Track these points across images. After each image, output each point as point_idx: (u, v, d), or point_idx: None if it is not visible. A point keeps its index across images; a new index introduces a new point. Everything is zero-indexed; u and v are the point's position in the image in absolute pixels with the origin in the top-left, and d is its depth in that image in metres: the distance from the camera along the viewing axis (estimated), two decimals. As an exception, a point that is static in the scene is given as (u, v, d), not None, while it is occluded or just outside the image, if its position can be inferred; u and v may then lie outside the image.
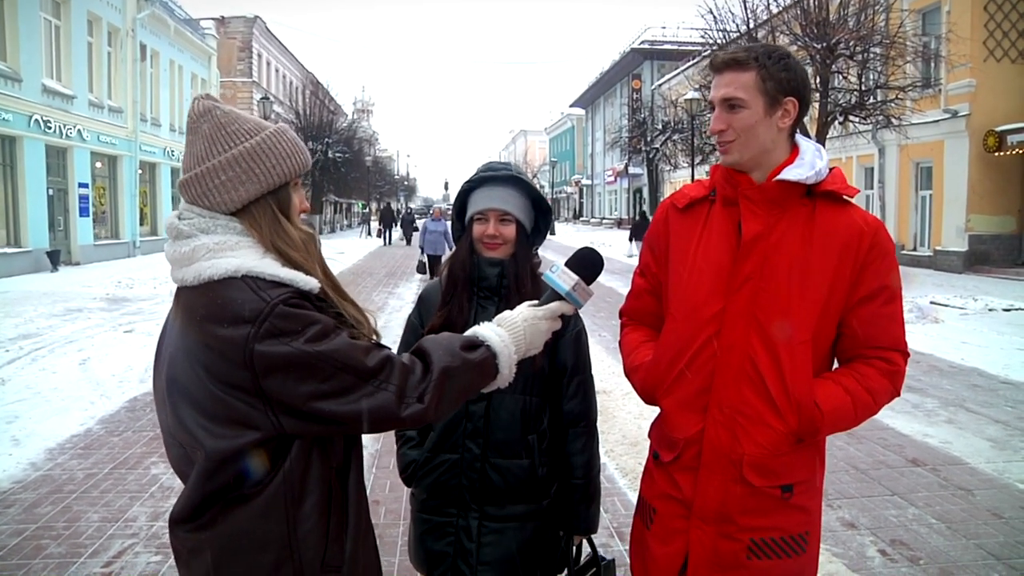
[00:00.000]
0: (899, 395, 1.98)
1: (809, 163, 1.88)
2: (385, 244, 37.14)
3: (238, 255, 1.49)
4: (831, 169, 1.93)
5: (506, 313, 1.72)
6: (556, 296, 1.74)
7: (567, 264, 1.79)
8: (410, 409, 1.48)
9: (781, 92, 1.86)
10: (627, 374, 2.19)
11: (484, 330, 1.66)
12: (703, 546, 1.94)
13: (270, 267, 1.48)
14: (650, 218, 34.30)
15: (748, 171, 1.92)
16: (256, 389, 1.43)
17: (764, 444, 1.88)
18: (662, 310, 2.10)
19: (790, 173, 1.86)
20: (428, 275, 15.17)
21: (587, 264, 1.80)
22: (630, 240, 27.31)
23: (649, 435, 2.17)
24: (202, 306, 1.46)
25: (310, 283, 1.50)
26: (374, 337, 1.61)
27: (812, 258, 1.86)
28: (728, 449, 1.90)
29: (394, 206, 54.57)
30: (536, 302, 1.75)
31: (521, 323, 1.69)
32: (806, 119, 18.15)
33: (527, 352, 1.71)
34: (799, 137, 1.96)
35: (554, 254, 28.50)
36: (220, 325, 1.42)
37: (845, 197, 1.92)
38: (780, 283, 1.86)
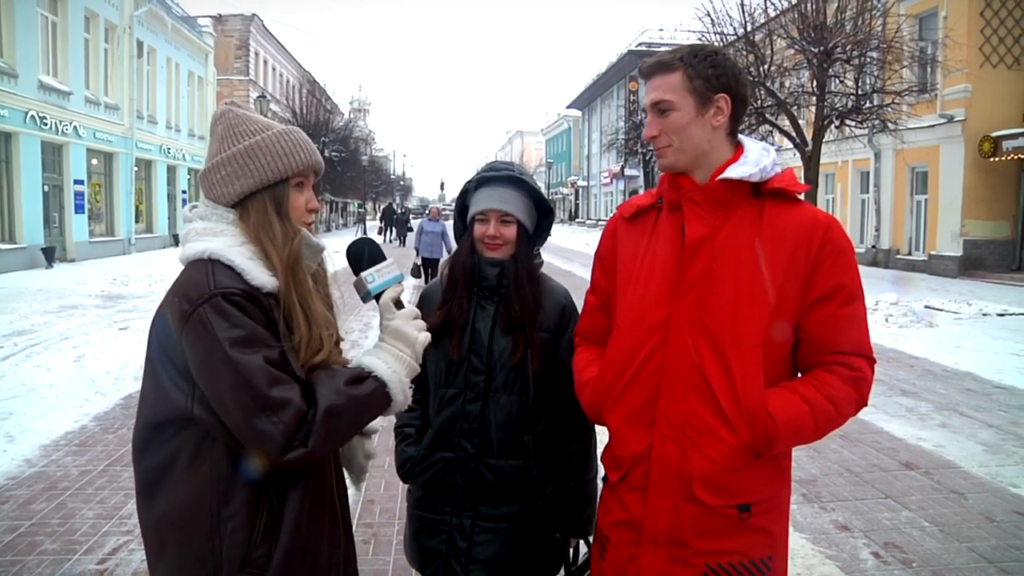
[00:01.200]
0: (866, 403, 1.85)
1: (753, 161, 1.82)
2: (386, 243, 37.28)
3: (216, 240, 1.59)
4: (782, 170, 1.87)
5: (376, 343, 1.70)
6: (377, 297, 1.71)
7: (355, 271, 1.75)
8: (293, 453, 1.48)
9: (711, 90, 1.80)
10: (576, 394, 2.10)
11: (369, 360, 1.64)
12: (654, 571, 1.83)
13: (232, 254, 1.56)
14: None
15: (689, 173, 1.85)
16: (186, 370, 1.52)
17: (715, 458, 1.77)
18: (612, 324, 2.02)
19: (733, 171, 1.80)
20: (423, 279, 14.32)
21: (361, 258, 1.74)
22: None
23: (602, 459, 2.05)
24: (175, 281, 1.59)
25: (260, 279, 1.55)
26: (320, 352, 1.60)
27: (761, 259, 1.78)
28: (677, 465, 1.79)
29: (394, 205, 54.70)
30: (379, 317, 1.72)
31: (386, 341, 1.67)
32: (802, 122, 18.16)
33: (416, 352, 1.68)
34: (743, 137, 1.90)
35: (553, 255, 28.31)
36: (175, 299, 1.53)
37: (795, 195, 1.84)
38: (728, 286, 1.78)
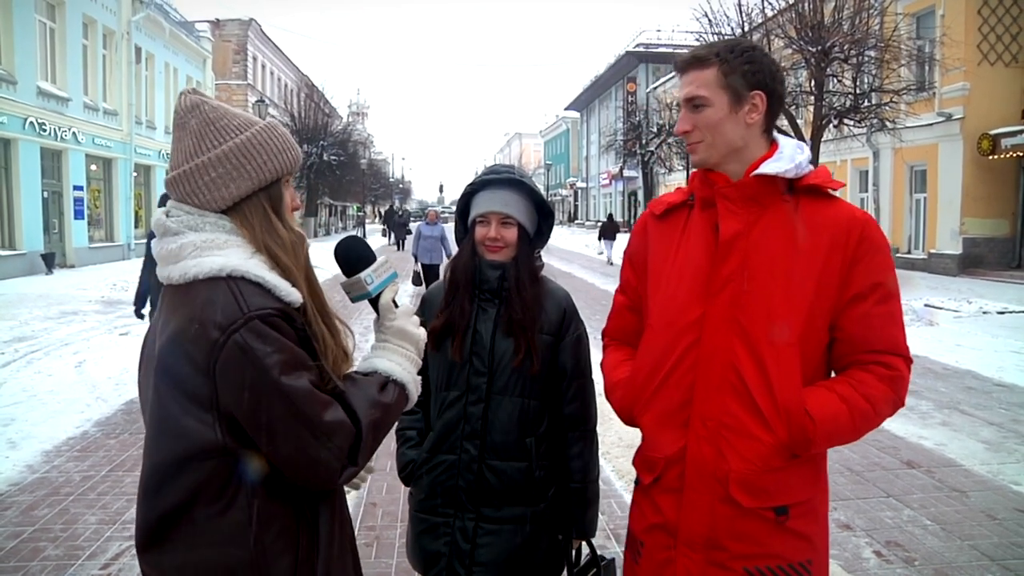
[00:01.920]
0: (903, 404, 1.82)
1: (788, 157, 1.79)
2: (389, 243, 37.47)
3: (225, 254, 1.43)
4: (816, 168, 1.84)
5: (376, 343, 1.65)
6: (375, 300, 1.66)
7: (346, 272, 1.67)
8: (347, 473, 1.44)
9: (746, 86, 1.77)
10: (606, 396, 2.06)
11: (383, 363, 1.59)
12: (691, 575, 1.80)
13: (256, 268, 1.42)
14: (618, 220, 34.61)
15: (723, 170, 1.82)
16: (211, 402, 1.37)
17: (752, 459, 1.73)
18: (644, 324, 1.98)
19: (767, 167, 1.76)
20: (424, 286, 13.43)
21: (351, 259, 1.67)
22: (599, 239, 29.50)
23: (633, 462, 2.02)
24: (183, 304, 1.41)
25: (293, 295, 1.44)
26: (343, 359, 1.55)
27: (796, 256, 1.75)
28: (713, 466, 1.76)
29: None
30: (376, 318, 1.68)
31: (391, 342, 1.62)
32: (800, 122, 18.10)
33: (419, 349, 1.65)
34: (778, 134, 1.87)
35: (552, 257, 28.20)
36: (193, 325, 1.37)
37: (831, 191, 1.81)
38: (762, 284, 1.75)
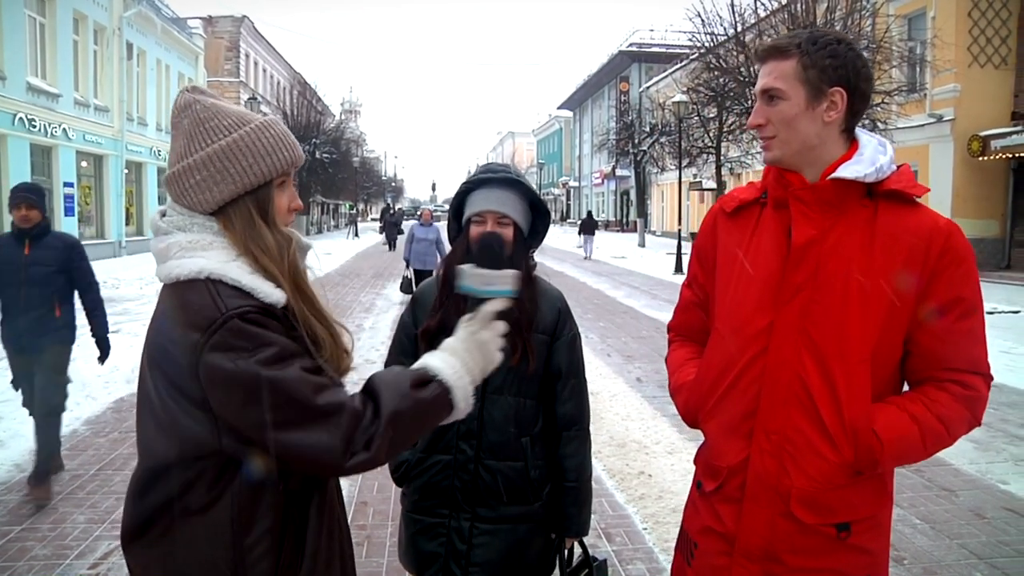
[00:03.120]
0: (979, 423, 1.75)
1: (869, 159, 1.68)
2: (381, 244, 37.32)
3: (207, 255, 1.42)
4: (899, 166, 1.73)
5: (448, 340, 1.57)
6: (479, 301, 1.59)
7: (474, 262, 1.65)
8: (355, 459, 1.37)
9: (825, 82, 1.66)
10: (671, 395, 2.02)
11: (436, 361, 1.51)
12: None
13: (235, 272, 1.40)
14: (596, 218, 35.57)
15: (797, 169, 1.72)
16: (203, 401, 1.36)
17: (815, 476, 1.67)
18: (710, 324, 1.92)
19: (846, 171, 1.66)
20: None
21: (487, 255, 1.67)
22: (579, 234, 31.66)
23: (695, 461, 1.97)
24: (169, 307, 1.42)
25: (273, 295, 1.41)
26: (344, 357, 1.53)
27: (873, 266, 1.65)
28: (775, 480, 1.70)
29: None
30: (469, 316, 1.60)
31: (463, 346, 1.54)
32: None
33: (485, 370, 1.57)
34: (860, 131, 1.76)
35: (544, 256, 28.21)
36: (177, 327, 1.37)
37: (914, 197, 1.70)
38: (836, 294, 1.66)
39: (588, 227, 30.31)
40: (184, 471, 1.39)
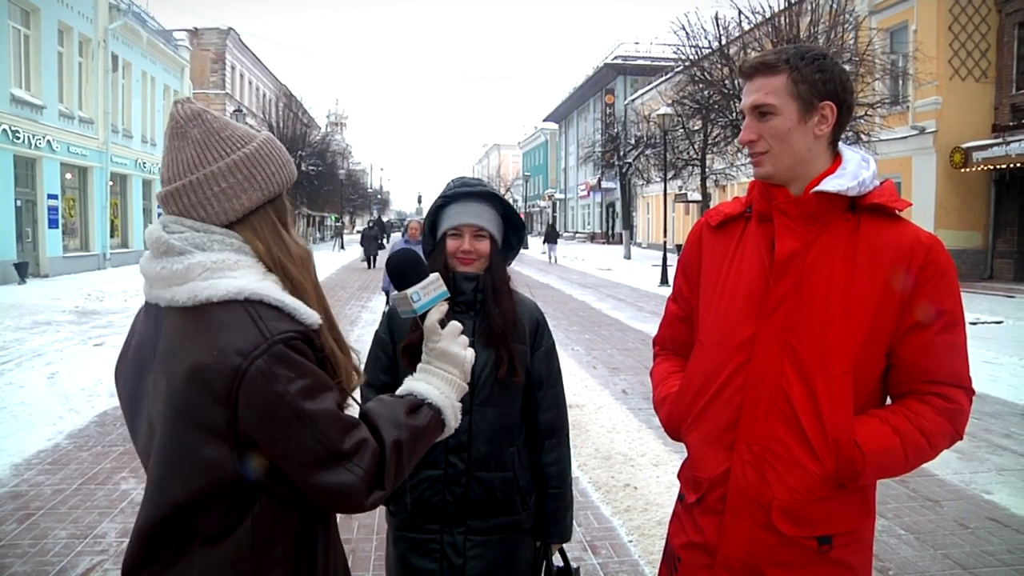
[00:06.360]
0: (961, 437, 1.75)
1: (852, 173, 1.70)
2: (360, 260, 36.94)
3: (239, 275, 1.36)
4: (882, 182, 1.75)
5: (420, 364, 1.60)
6: (421, 319, 1.61)
7: (397, 286, 1.63)
8: (374, 496, 1.38)
9: (816, 96, 1.68)
10: (655, 407, 2.02)
11: (420, 386, 1.53)
12: None
13: (272, 291, 1.36)
14: (559, 229, 40.61)
15: (785, 184, 1.74)
16: (228, 432, 1.30)
17: (797, 488, 1.67)
18: (694, 337, 1.93)
19: (829, 184, 1.67)
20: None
21: (406, 273, 1.63)
22: (543, 243, 36.90)
23: (678, 476, 1.98)
24: (194, 330, 1.33)
25: (312, 317, 1.38)
26: (354, 377, 1.51)
27: (855, 278, 1.67)
28: (756, 492, 1.70)
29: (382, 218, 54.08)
30: (425, 336, 1.62)
31: (435, 365, 1.57)
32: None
33: (465, 374, 1.60)
34: (843, 146, 1.78)
35: (530, 268, 28.11)
36: (210, 352, 1.29)
37: (895, 211, 1.72)
38: (818, 307, 1.67)
39: (551, 236, 35.63)
40: (199, 503, 1.35)
